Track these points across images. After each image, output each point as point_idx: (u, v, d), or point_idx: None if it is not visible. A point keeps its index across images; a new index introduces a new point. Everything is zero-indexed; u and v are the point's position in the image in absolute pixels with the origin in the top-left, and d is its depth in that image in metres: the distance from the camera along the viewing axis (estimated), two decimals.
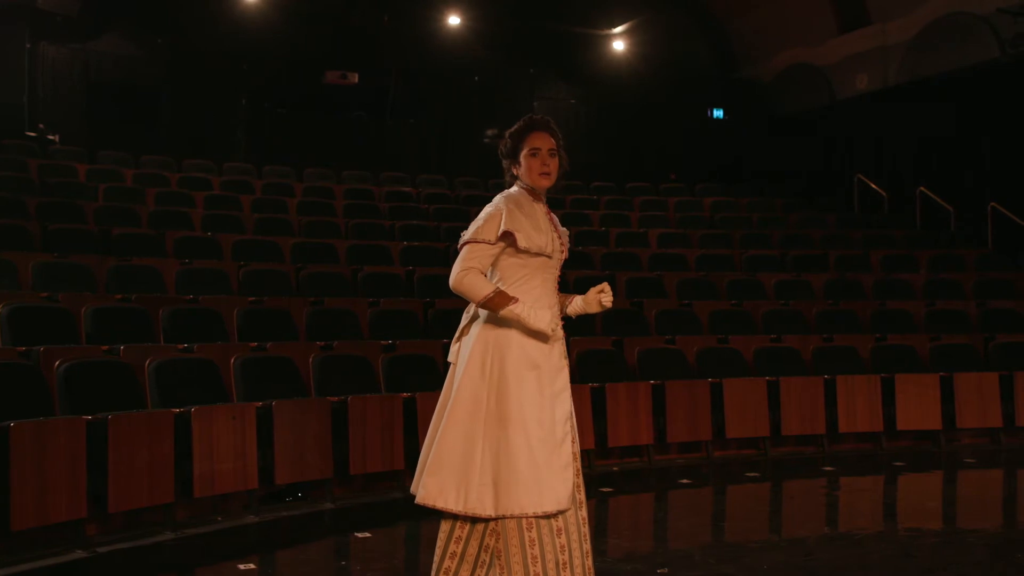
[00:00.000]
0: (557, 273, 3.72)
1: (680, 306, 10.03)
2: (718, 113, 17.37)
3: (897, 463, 8.30)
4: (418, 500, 3.56)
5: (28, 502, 4.88)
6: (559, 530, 3.48)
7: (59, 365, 5.67)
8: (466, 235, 3.57)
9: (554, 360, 3.60)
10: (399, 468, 6.70)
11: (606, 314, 9.35)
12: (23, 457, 4.87)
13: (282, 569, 5.25)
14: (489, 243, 3.52)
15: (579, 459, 3.64)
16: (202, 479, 5.73)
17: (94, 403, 5.52)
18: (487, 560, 3.56)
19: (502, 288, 3.54)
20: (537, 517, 3.44)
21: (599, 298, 3.72)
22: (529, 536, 3.45)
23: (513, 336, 3.55)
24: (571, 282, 9.76)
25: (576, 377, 7.88)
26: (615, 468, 7.93)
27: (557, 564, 3.46)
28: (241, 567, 5.01)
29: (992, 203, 12.94)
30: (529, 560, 3.44)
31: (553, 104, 16.56)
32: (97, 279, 8.03)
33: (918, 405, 8.76)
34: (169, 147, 13.12)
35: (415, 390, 6.87)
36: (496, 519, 3.48)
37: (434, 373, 7.17)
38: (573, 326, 8.67)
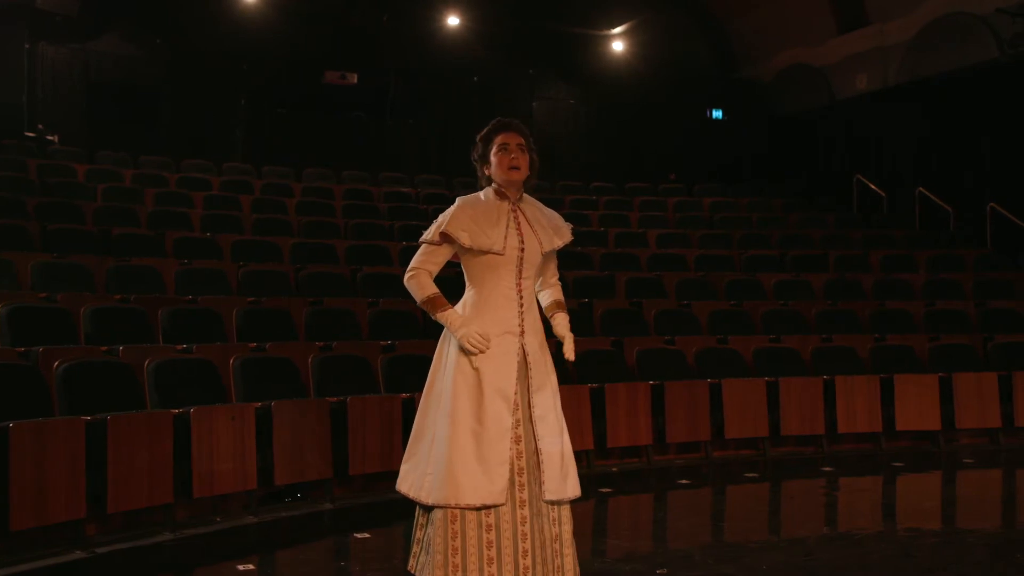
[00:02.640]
0: (518, 269, 3.73)
1: (679, 306, 10.03)
2: (717, 113, 17.38)
3: (896, 463, 8.30)
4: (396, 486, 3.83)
5: (27, 502, 4.88)
6: (488, 526, 3.53)
7: (58, 365, 5.67)
8: (423, 235, 3.78)
9: (503, 356, 3.66)
10: (398, 468, 6.68)
11: (605, 314, 9.37)
12: (22, 457, 4.87)
13: (281, 569, 5.25)
14: (435, 244, 3.72)
15: (548, 460, 3.64)
16: (201, 479, 5.72)
17: (93, 403, 5.51)
18: (428, 547, 3.65)
19: (459, 297, 3.77)
20: (461, 509, 3.52)
21: (565, 347, 3.83)
22: (452, 528, 3.54)
23: None
24: (570, 282, 9.77)
25: (575, 377, 7.93)
26: (614, 468, 7.93)
27: (481, 558, 3.51)
28: (240, 568, 5.01)
29: (991, 203, 12.94)
30: (450, 551, 3.53)
31: (553, 104, 16.57)
32: (96, 279, 8.03)
33: (917, 405, 8.76)
34: (168, 147, 13.12)
35: (414, 390, 6.81)
36: (431, 508, 3.60)
37: None
38: (572, 327, 8.67)
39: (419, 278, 3.73)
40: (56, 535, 5.18)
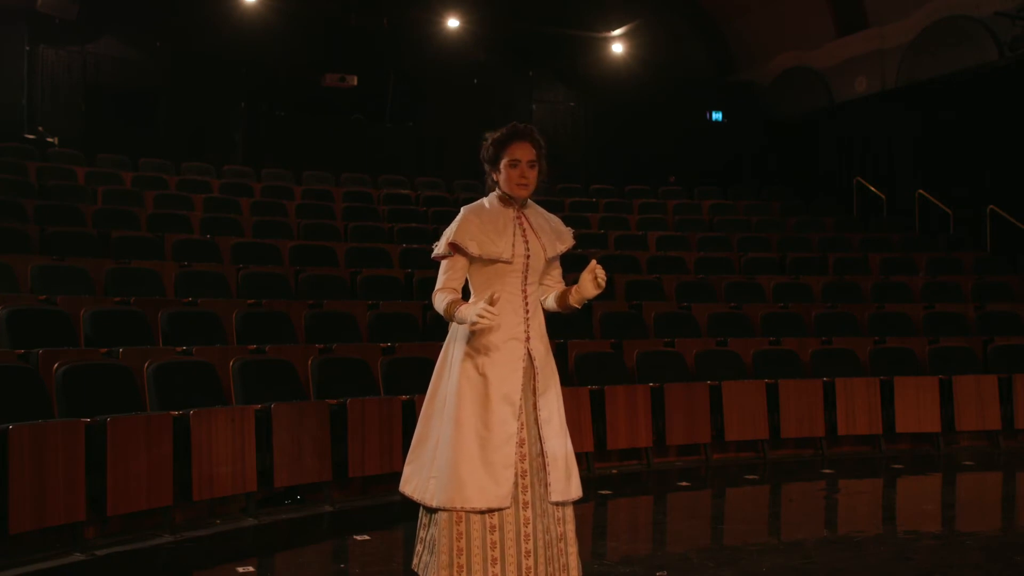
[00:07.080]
0: (523, 275, 3.73)
1: (679, 308, 10.04)
2: (717, 116, 17.39)
3: (896, 466, 8.30)
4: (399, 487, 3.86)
5: (26, 505, 4.88)
6: (492, 527, 3.58)
7: (58, 367, 5.67)
8: (434, 249, 3.79)
9: (509, 363, 3.65)
10: (398, 471, 6.64)
11: (605, 316, 9.37)
12: (21, 460, 4.87)
13: (281, 572, 5.24)
14: (447, 256, 3.75)
15: (554, 462, 3.65)
16: (201, 482, 5.72)
17: (93, 406, 5.51)
18: (432, 548, 3.68)
19: (465, 298, 3.72)
20: (467, 511, 3.56)
21: (590, 279, 3.70)
22: (458, 529, 3.58)
23: (469, 337, 3.67)
24: (570, 285, 9.77)
25: (575, 379, 7.95)
26: (614, 471, 7.93)
27: (485, 559, 3.56)
28: (240, 570, 5.00)
29: (991, 206, 12.95)
30: (455, 552, 3.57)
31: (552, 107, 16.58)
32: (96, 282, 8.03)
33: (917, 408, 8.76)
34: (168, 149, 13.12)
35: (414, 393, 6.85)
36: (436, 510, 3.63)
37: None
38: (571, 329, 8.68)
39: (439, 296, 3.71)
40: (55, 538, 5.18)
